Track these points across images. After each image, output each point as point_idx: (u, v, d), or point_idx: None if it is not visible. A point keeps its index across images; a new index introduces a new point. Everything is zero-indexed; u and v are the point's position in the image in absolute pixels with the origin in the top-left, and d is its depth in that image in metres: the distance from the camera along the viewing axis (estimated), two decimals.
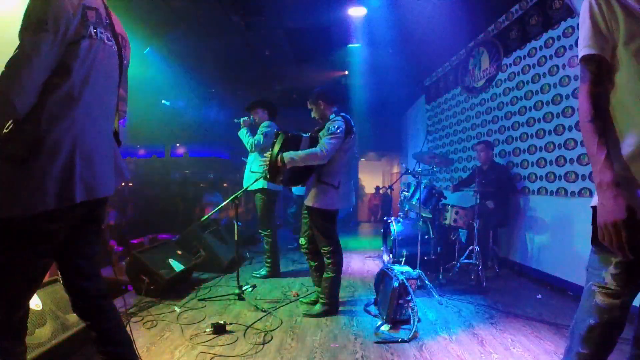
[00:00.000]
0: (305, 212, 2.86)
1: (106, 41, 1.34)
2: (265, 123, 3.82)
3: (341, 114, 2.77)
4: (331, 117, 2.77)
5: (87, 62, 1.25)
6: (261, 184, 3.64)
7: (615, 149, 1.05)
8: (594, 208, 1.05)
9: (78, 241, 1.38)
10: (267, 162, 2.72)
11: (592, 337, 1.05)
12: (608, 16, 1.01)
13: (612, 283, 1.03)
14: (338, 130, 2.62)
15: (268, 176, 2.74)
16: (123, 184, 6.71)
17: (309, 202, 2.74)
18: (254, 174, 3.69)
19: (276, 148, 2.66)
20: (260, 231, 3.92)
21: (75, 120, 1.22)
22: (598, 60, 1.05)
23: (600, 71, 1.06)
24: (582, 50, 1.07)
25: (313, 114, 2.90)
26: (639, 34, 0.98)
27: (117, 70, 1.45)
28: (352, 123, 2.78)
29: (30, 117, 1.14)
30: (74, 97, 1.22)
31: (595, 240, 1.05)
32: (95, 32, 1.28)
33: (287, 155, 2.59)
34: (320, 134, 2.72)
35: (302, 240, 2.96)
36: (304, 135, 2.80)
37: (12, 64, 1.12)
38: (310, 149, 2.62)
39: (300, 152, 2.61)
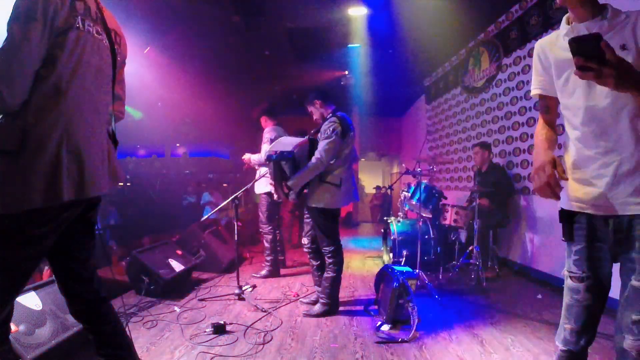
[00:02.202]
0: (308, 212, 2.87)
1: (95, 34, 1.30)
2: (267, 129, 3.86)
3: (337, 113, 2.78)
4: (328, 117, 2.78)
5: (75, 55, 1.21)
6: (268, 187, 3.64)
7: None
8: (562, 210, 1.28)
9: (71, 244, 1.33)
10: (275, 190, 2.79)
11: (571, 313, 1.29)
12: (545, 63, 1.31)
13: (573, 268, 1.26)
14: (333, 133, 2.63)
15: (279, 198, 2.87)
16: (122, 183, 6.71)
17: (311, 202, 2.75)
18: (263, 177, 3.69)
19: (277, 177, 2.71)
20: (261, 231, 3.93)
21: (63, 113, 1.17)
22: (542, 97, 1.37)
23: (547, 104, 1.38)
24: (531, 89, 1.40)
25: (314, 117, 2.92)
26: (561, 74, 1.25)
27: (110, 67, 1.39)
28: (349, 121, 2.79)
29: (20, 110, 1.11)
30: (60, 89, 1.17)
31: (563, 235, 1.29)
32: (83, 24, 1.24)
33: (291, 182, 2.63)
34: (319, 136, 2.73)
35: (304, 240, 2.97)
36: (298, 140, 2.80)
37: (0, 54, 1.07)
38: (308, 163, 2.64)
39: (301, 172, 2.63)
